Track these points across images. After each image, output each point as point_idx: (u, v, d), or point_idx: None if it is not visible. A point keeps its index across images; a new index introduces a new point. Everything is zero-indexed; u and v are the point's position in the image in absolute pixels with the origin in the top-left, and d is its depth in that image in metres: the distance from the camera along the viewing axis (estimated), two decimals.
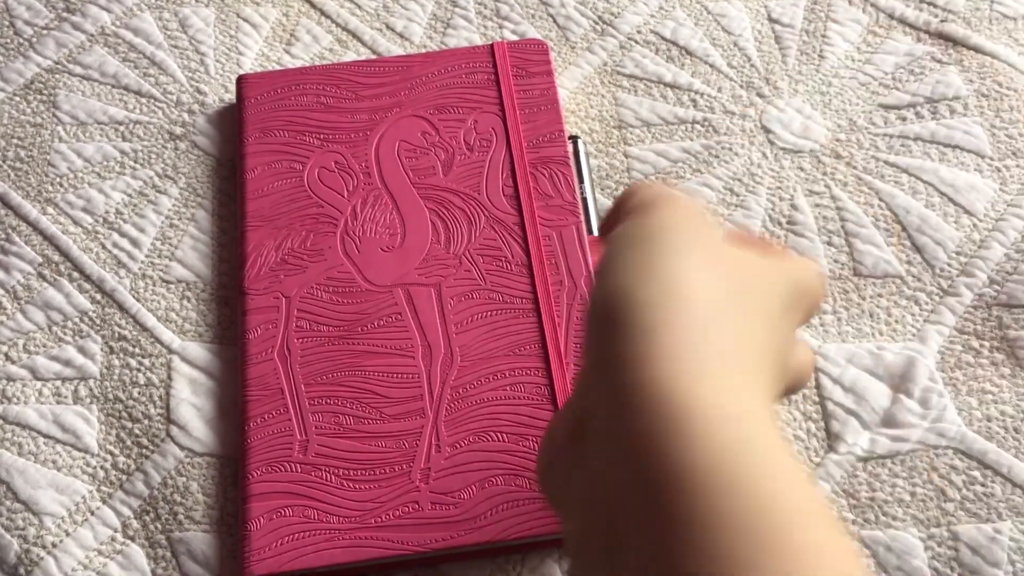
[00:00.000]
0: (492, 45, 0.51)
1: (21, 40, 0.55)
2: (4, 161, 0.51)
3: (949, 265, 0.47)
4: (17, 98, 0.53)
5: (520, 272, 0.44)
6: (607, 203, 0.49)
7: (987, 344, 0.45)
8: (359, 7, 0.56)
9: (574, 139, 0.49)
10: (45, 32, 0.55)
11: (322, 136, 0.48)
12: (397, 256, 0.45)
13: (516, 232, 0.45)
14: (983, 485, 0.42)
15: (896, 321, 0.46)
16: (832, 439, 0.43)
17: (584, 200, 0.47)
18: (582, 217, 0.46)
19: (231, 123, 0.51)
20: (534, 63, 0.50)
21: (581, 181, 0.48)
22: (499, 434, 0.41)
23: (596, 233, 0.46)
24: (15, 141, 0.51)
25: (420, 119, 0.48)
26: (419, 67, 0.50)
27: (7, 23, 0.55)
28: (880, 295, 0.47)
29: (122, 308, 0.47)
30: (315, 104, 0.49)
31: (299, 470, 0.40)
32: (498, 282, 0.44)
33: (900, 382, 0.44)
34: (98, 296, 0.47)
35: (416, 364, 0.42)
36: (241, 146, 0.48)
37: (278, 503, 0.40)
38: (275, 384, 0.42)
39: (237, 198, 0.48)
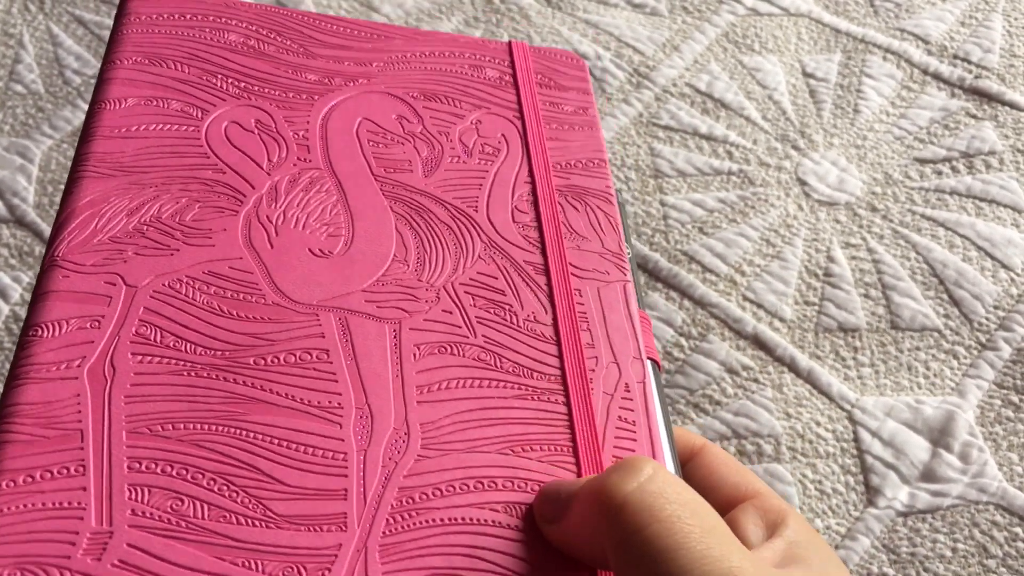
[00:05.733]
0: (510, 43, 0.37)
1: (70, 89, 0.56)
2: (52, 207, 0.52)
3: (987, 319, 0.47)
4: (65, 145, 0.54)
5: (537, 332, 0.30)
6: (649, 256, 0.49)
7: None
8: None
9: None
10: (93, 81, 0.56)
11: (243, 85, 0.33)
12: (336, 265, 0.29)
13: (531, 276, 0.31)
14: None
15: (935, 375, 0.46)
16: (871, 493, 0.43)
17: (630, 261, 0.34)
18: (631, 278, 0.32)
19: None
20: (567, 76, 0.37)
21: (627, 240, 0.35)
22: None
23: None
24: (62, 187, 0.53)
25: (397, 99, 0.34)
26: (403, 42, 0.36)
27: (56, 72, 0.57)
28: (918, 348, 0.47)
29: None
30: (242, 45, 0.34)
31: None
32: (497, 338, 0.29)
33: (939, 436, 0.44)
34: None
35: (342, 436, 0.26)
36: (105, 70, 0.32)
37: None
38: (70, 421, 0.24)
39: (80, 137, 0.31)
